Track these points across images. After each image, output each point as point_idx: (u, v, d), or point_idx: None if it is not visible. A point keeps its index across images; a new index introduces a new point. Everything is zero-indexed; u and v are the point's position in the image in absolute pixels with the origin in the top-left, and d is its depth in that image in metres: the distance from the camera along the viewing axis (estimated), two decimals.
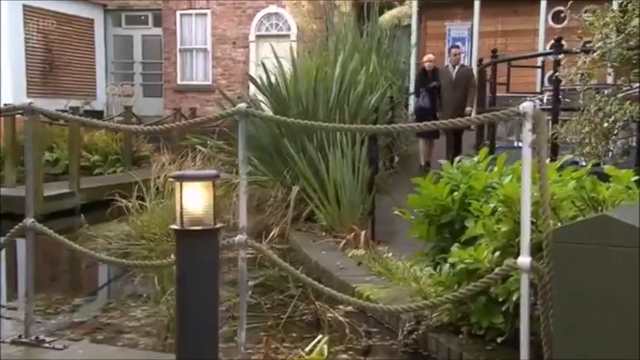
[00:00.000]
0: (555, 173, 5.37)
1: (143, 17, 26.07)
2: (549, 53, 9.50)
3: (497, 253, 5.06)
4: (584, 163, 8.87)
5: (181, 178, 3.66)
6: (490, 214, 5.21)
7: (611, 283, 3.68)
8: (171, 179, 3.80)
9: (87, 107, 23.46)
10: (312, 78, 12.00)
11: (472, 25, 21.22)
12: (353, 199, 10.43)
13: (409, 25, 18.29)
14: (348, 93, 12.01)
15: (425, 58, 15.84)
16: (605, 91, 8.86)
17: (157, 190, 10.99)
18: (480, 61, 14.75)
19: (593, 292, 3.72)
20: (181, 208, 3.58)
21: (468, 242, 5.50)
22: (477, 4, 20.80)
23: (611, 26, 7.95)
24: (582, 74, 8.69)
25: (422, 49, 22.41)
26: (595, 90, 8.98)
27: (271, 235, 10.84)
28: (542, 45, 19.75)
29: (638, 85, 9.01)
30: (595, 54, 8.10)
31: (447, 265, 5.64)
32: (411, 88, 17.70)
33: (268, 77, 12.32)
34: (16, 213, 6.87)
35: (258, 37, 23.79)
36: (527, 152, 4.05)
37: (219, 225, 3.69)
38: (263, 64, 12.71)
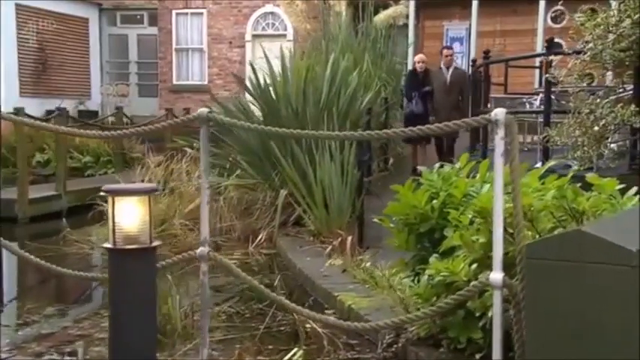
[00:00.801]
0: (537, 181, 5.12)
1: (139, 16, 25.81)
2: (541, 54, 9.24)
3: (474, 266, 4.81)
4: (577, 168, 8.70)
5: (113, 193, 3.39)
6: (468, 224, 4.96)
7: (586, 301, 3.45)
8: (103, 193, 3.52)
9: (81, 107, 23.25)
10: (301, 79, 11.77)
11: (470, 25, 20.99)
12: (341, 203, 10.20)
13: (405, 25, 18.05)
14: (338, 94, 11.76)
15: (416, 59, 14.71)
16: (598, 94, 8.61)
17: None
18: (473, 61, 14.50)
19: (567, 311, 3.48)
20: (114, 224, 3.31)
21: (446, 253, 5.25)
22: (475, 4, 20.60)
23: (602, 27, 7.72)
24: (578, 76, 8.50)
25: (419, 49, 22.19)
26: (588, 92, 8.76)
27: (258, 239, 10.63)
28: (540, 45, 19.46)
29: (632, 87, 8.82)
30: (586, 55, 7.88)
31: (426, 276, 5.39)
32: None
33: (257, 78, 12.07)
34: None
35: (255, 36, 23.56)
36: (498, 161, 3.82)
37: (156, 243, 3.43)
38: (251, 65, 12.47)
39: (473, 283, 4.06)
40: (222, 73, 23.78)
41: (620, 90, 9.21)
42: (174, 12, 24.35)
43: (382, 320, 4.86)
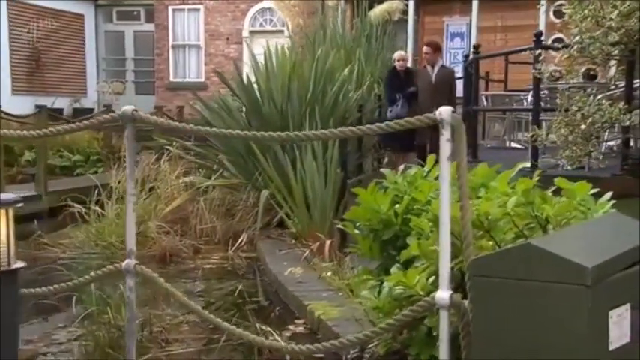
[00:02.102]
0: (507, 186, 4.69)
1: (135, 13, 25.44)
2: (529, 48, 8.81)
3: (432, 278, 4.39)
4: (569, 168, 8.27)
5: None
6: (429, 231, 4.55)
7: (535, 324, 3.05)
8: None
9: (76, 105, 22.91)
10: (286, 75, 11.37)
11: (470, 21, 20.53)
12: (324, 204, 9.80)
13: (401, 20, 17.56)
14: (323, 91, 11.36)
15: (396, 56, 13.16)
16: (588, 91, 8.19)
17: (118, 194, 10.39)
18: (465, 57, 14.01)
19: (515, 334, 3.09)
20: None
21: (408, 263, 4.84)
22: None
23: (589, 19, 7.29)
24: (567, 71, 8.08)
25: (419, 45, 21.73)
26: (579, 89, 8.34)
27: (238, 242, 10.25)
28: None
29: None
30: (572, 49, 7.46)
31: (386, 288, 4.97)
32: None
33: (240, 75, 11.70)
34: None
35: (252, 32, 23.11)
36: (445, 166, 3.41)
37: (17, 265, 2.92)
38: (235, 62, 12.10)
39: (419, 302, 3.66)
40: (219, 70, 23.33)
41: (612, 87, 8.81)
42: (170, 8, 23.94)
43: (340, 339, 4.47)
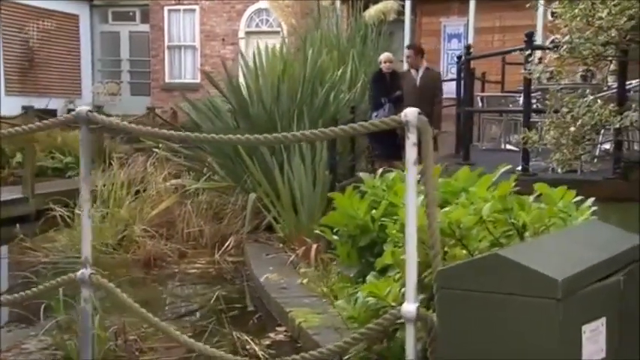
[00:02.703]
0: (487, 191, 4.48)
1: (131, 13, 25.23)
2: (520, 49, 8.59)
3: (404, 289, 4.19)
4: (559, 171, 8.05)
5: None
6: (397, 240, 4.35)
7: (504, 339, 2.86)
8: None
9: (71, 106, 22.68)
10: (276, 75, 11.18)
11: (468, 21, 20.31)
12: (312, 208, 9.60)
13: (396, 20, 17.33)
14: (311, 91, 11.16)
15: (382, 57, 12.15)
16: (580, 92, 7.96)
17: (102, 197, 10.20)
18: (458, 58, 13.80)
19: (483, 350, 2.90)
20: None
21: (385, 271, 4.65)
22: None
23: (579, 18, 7.08)
24: (557, 72, 7.86)
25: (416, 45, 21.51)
26: (570, 90, 8.13)
27: (225, 246, 10.06)
28: (540, 41, 18.75)
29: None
30: (562, 49, 7.25)
31: (361, 298, 4.76)
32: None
33: (229, 75, 11.51)
34: None
35: (248, 33, 22.91)
36: (411, 171, 3.21)
37: None
38: (223, 63, 11.91)
39: (385, 315, 3.47)
40: (214, 71, 23.11)
41: (605, 88, 8.59)
42: (166, 8, 23.74)
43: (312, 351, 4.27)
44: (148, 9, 24.15)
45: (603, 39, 6.99)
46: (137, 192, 10.72)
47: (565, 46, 7.15)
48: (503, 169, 4.91)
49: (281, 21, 18.20)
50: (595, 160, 7.94)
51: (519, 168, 8.42)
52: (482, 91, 15.78)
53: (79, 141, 3.79)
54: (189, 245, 10.23)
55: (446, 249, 4.08)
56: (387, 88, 11.70)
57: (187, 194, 10.95)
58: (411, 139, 3.16)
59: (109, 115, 20.25)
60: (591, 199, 4.31)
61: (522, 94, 9.33)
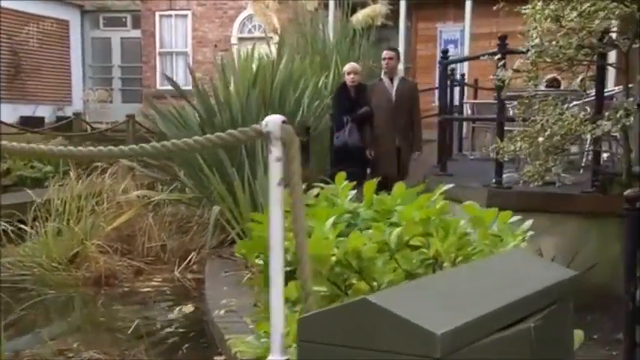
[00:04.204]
0: (418, 210, 3.87)
1: (123, 19, 24.79)
2: (492, 53, 8.00)
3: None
4: (534, 184, 7.43)
5: None
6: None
7: None
8: None
9: (60, 113, 22.24)
10: (247, 82, 10.63)
11: (464, 27, 19.75)
12: None
13: (384, 26, 16.72)
14: (282, 97, 10.61)
15: (347, 68, 10.46)
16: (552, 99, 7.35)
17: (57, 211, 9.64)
18: (439, 63, 13.21)
19: None
20: None
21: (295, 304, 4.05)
22: (468, 4, 19.32)
23: (549, 20, 6.50)
24: (528, 78, 7.27)
25: (412, 52, 20.96)
26: (544, 97, 7.52)
27: (186, 261, 9.49)
28: None
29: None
30: (530, 53, 6.67)
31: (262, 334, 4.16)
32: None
33: (196, 84, 11.00)
34: None
35: (241, 39, 22.41)
36: (275, 193, 2.63)
37: None
38: (190, 70, 11.36)
39: None
40: (206, 78, 22.57)
41: (583, 94, 8.01)
42: (157, 14, 23.24)
43: None
44: (140, 15, 23.65)
45: (575, 42, 6.41)
46: (96, 204, 10.16)
47: (534, 50, 6.58)
48: (443, 189, 4.29)
49: (263, 25, 17.68)
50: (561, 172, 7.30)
51: (494, 181, 7.83)
52: (475, 98, 15.22)
53: None
54: (149, 261, 9.64)
55: (354, 281, 3.51)
56: (351, 105, 10.12)
57: (151, 206, 10.36)
58: (274, 153, 2.58)
59: (94, 123, 19.88)
60: (529, 222, 3.69)
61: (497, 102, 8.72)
